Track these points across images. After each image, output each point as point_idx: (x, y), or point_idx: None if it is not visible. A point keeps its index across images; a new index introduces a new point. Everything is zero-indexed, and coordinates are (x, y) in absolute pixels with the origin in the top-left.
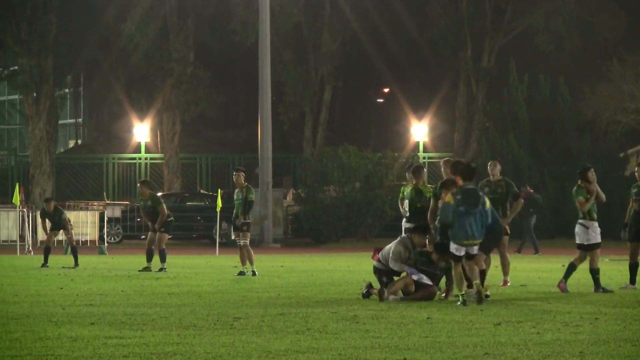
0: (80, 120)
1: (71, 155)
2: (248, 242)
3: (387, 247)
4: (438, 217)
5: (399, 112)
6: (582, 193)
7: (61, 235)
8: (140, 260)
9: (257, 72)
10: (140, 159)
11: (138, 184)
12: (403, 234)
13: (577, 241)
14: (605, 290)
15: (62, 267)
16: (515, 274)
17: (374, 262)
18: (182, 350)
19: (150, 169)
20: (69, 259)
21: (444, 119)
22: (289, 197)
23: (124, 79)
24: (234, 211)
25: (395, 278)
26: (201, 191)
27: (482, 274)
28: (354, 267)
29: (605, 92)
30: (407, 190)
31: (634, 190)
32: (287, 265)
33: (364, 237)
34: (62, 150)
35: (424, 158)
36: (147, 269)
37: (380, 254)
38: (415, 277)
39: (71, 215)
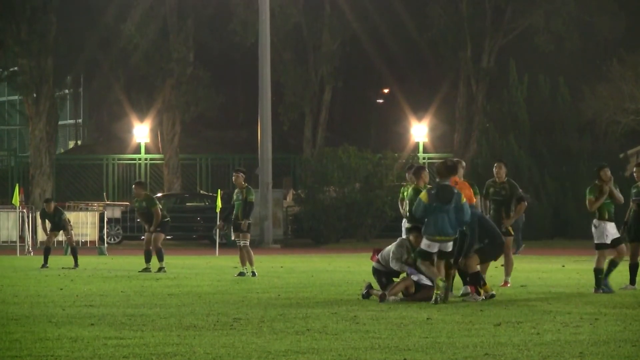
0: (80, 120)
1: (71, 155)
2: (248, 242)
3: (387, 248)
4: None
5: (399, 113)
6: (593, 192)
7: (61, 236)
8: (140, 261)
9: (257, 73)
10: (140, 159)
11: (133, 185)
12: (403, 235)
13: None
14: (605, 291)
15: (62, 268)
16: (515, 274)
17: (373, 263)
18: (182, 351)
19: (150, 170)
20: (68, 260)
21: (443, 119)
22: (289, 198)
23: (123, 80)
24: (234, 212)
25: (395, 279)
26: (201, 192)
27: (475, 276)
28: (354, 267)
29: (605, 92)
30: (408, 190)
31: (634, 191)
32: (287, 266)
33: (364, 237)
34: (62, 150)
35: (424, 159)
36: (146, 269)
37: (379, 255)
38: (415, 278)
39: (71, 216)
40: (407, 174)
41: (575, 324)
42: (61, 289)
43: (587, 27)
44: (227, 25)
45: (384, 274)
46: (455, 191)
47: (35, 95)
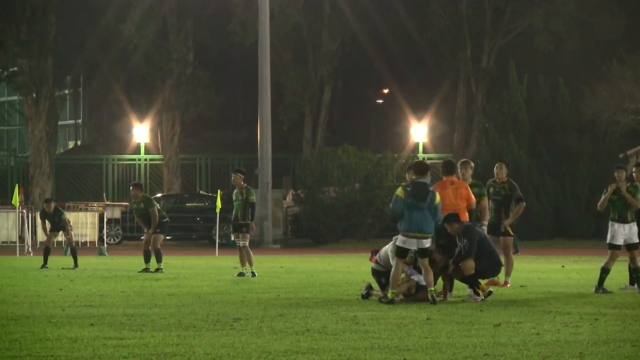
0: (79, 121)
1: (71, 156)
2: (248, 243)
3: (384, 248)
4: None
5: (399, 113)
6: (604, 191)
7: (61, 236)
8: (140, 261)
9: (257, 73)
10: (139, 159)
11: (131, 187)
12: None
13: None
14: (605, 292)
15: (62, 268)
16: (515, 274)
17: (372, 264)
18: (181, 351)
19: (149, 170)
20: (68, 260)
21: (443, 119)
22: (289, 198)
23: (123, 80)
24: (234, 212)
25: None
26: (201, 192)
27: (471, 279)
28: (353, 267)
29: (605, 92)
30: None
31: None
32: (286, 266)
33: (363, 237)
34: (61, 151)
35: (424, 159)
36: (146, 270)
37: (377, 255)
38: (415, 279)
39: (71, 216)
40: (406, 174)
41: (575, 324)
42: (61, 289)
43: (587, 27)
44: (226, 25)
45: (383, 274)
46: (431, 189)
47: (35, 95)
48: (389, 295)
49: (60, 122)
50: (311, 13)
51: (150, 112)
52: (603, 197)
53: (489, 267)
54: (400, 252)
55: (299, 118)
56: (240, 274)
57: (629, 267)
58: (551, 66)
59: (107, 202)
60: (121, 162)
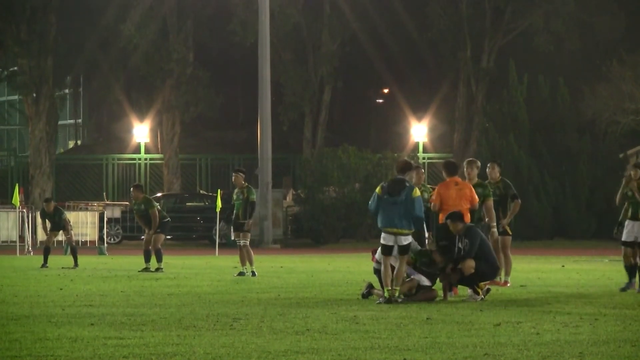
0: (79, 120)
1: (71, 155)
2: (248, 242)
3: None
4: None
5: (399, 113)
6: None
7: (61, 236)
8: (140, 260)
9: (257, 73)
10: (140, 159)
11: (131, 188)
12: None
13: None
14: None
15: (62, 268)
16: (514, 274)
17: (374, 264)
18: (181, 351)
19: (149, 170)
20: (68, 260)
21: (443, 119)
22: (289, 198)
23: (123, 80)
24: (234, 211)
25: None
26: (201, 192)
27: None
28: (353, 267)
29: (605, 92)
30: None
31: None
32: (286, 266)
33: (363, 237)
34: (61, 150)
35: (424, 159)
36: (146, 269)
37: (377, 254)
38: (416, 278)
39: (71, 216)
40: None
41: (575, 324)
42: (61, 289)
43: (587, 27)
44: (226, 25)
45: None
46: (407, 185)
47: (35, 95)
48: (386, 293)
49: (60, 122)
50: (311, 13)
51: (150, 112)
52: (619, 195)
53: (487, 270)
54: (382, 249)
55: (299, 118)
56: (241, 274)
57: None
58: (551, 66)
59: (107, 202)
60: (121, 162)
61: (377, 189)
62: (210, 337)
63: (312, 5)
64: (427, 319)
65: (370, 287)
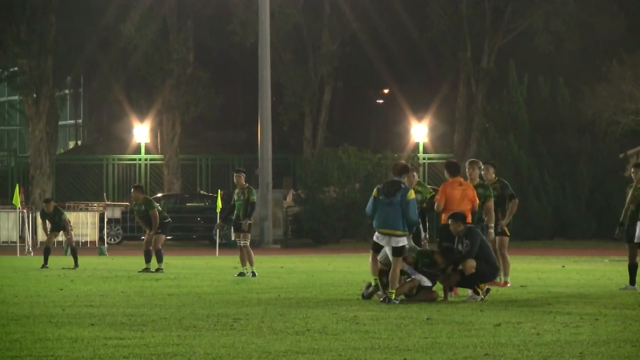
0: (80, 121)
1: (71, 156)
2: (248, 242)
3: (385, 248)
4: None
5: (399, 113)
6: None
7: (61, 236)
8: (140, 261)
9: (257, 73)
10: (140, 160)
11: (132, 189)
12: None
13: None
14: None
15: (62, 268)
16: (514, 274)
17: None
18: (182, 351)
19: (150, 170)
20: (68, 260)
21: (443, 119)
22: (289, 198)
23: (123, 80)
24: (235, 212)
25: None
26: (201, 192)
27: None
28: (354, 268)
29: (605, 92)
30: None
31: (631, 191)
32: (287, 266)
33: (363, 237)
34: (62, 151)
35: (424, 159)
36: (146, 270)
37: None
38: (417, 278)
39: (71, 216)
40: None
41: (575, 324)
42: (61, 289)
43: (587, 27)
44: (226, 25)
45: (384, 274)
46: (402, 186)
47: (35, 95)
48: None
49: (60, 122)
50: (311, 13)
51: (151, 112)
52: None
53: (488, 271)
54: (373, 246)
55: (299, 118)
56: (241, 274)
57: (629, 267)
58: (551, 66)
59: (108, 202)
60: (121, 162)
61: (374, 192)
62: (210, 337)
63: (312, 5)
64: (428, 319)
65: (370, 286)
